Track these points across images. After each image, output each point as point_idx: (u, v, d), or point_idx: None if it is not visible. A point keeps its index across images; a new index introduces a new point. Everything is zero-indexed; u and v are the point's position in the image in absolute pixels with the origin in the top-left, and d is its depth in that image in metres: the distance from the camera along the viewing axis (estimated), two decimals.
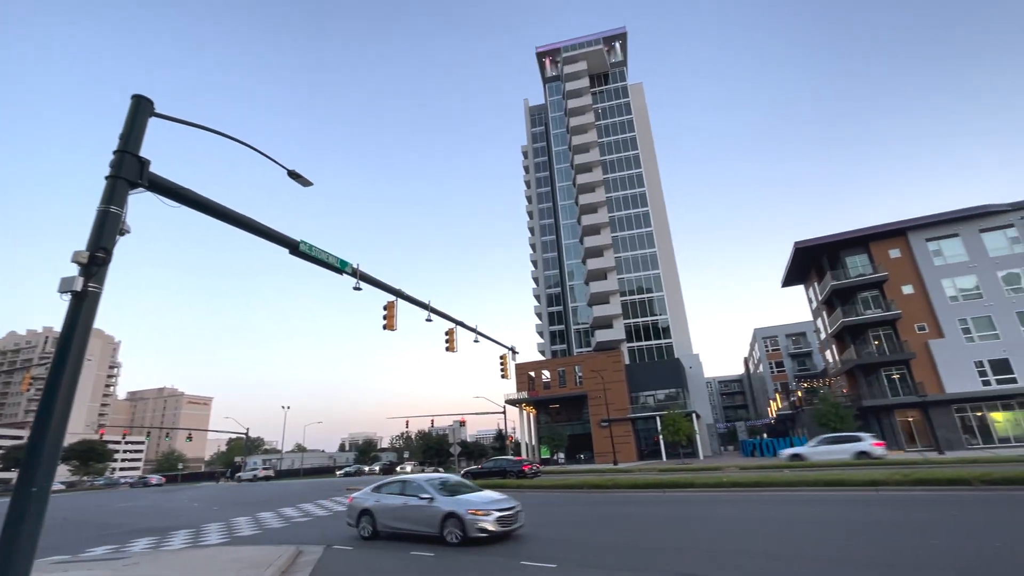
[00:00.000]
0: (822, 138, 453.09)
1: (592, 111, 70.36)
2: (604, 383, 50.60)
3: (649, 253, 63.14)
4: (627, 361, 57.33)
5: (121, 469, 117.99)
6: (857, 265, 42.41)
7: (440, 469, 70.85)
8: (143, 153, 7.16)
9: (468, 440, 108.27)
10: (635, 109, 71.44)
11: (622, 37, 74.12)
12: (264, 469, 53.14)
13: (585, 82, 71.61)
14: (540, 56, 78.06)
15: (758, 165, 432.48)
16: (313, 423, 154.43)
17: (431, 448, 77.64)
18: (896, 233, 41.12)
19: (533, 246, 78.22)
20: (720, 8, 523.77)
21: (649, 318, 60.83)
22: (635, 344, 60.34)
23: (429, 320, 19.01)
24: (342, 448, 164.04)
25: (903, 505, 12.49)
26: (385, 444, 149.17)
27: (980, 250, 38.45)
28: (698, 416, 52.08)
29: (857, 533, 9.59)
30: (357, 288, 15.04)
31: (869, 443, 27.00)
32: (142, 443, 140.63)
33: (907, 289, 39.70)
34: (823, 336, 49.94)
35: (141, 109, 7.27)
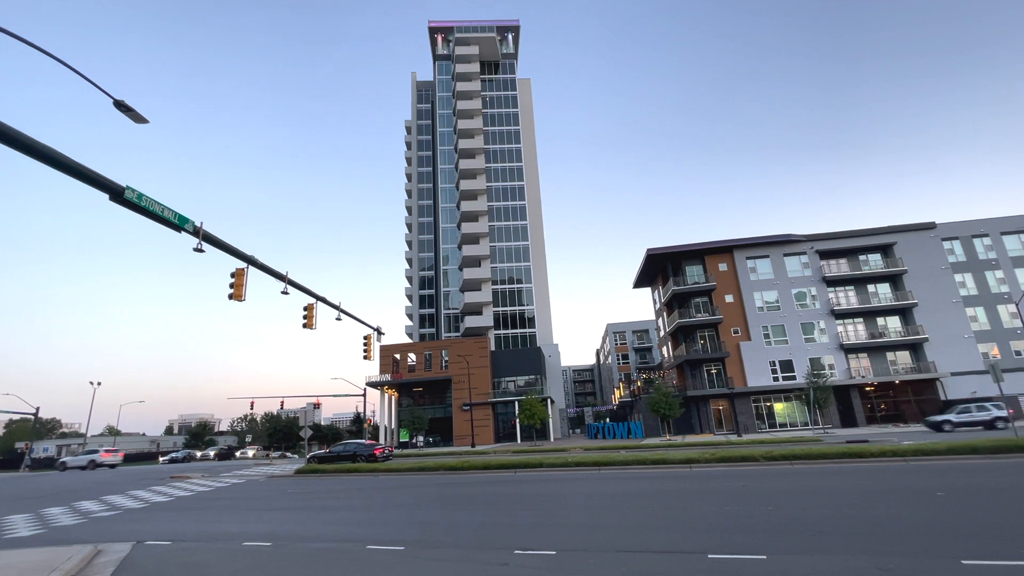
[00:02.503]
0: (691, 146, 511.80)
1: (480, 98, 70.39)
2: (469, 368, 51.53)
3: (522, 245, 65.50)
4: (493, 348, 59.04)
5: None
6: (694, 274, 48.85)
7: (288, 454, 66.08)
8: None
9: (322, 423, 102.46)
10: (521, 104, 73.14)
11: (515, 30, 75.19)
12: (109, 451, 41.95)
13: (476, 67, 71.28)
14: (432, 31, 75.71)
15: (627, 171, 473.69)
16: (132, 403, 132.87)
17: (279, 431, 72.09)
18: (725, 250, 48.17)
19: (409, 226, 76.17)
20: (607, 18, 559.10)
21: (517, 307, 63.26)
22: (502, 332, 62.35)
23: (286, 293, 17.46)
24: (169, 431, 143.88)
25: (709, 478, 14.78)
26: (224, 427, 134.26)
27: (782, 270, 46.87)
28: (552, 401, 55.79)
29: (670, 502, 11.12)
30: (199, 250, 13.20)
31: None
32: None
33: (729, 298, 46.84)
34: (662, 334, 56.77)
35: None
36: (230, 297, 15.07)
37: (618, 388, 79.12)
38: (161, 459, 57.01)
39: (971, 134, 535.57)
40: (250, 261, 15.51)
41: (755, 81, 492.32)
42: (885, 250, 46.72)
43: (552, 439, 51.58)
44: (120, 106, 10.22)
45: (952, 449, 15.78)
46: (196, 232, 13.13)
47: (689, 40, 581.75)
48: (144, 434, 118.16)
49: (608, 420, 62.79)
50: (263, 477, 24.97)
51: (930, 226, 46.01)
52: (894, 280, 45.73)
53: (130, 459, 65.32)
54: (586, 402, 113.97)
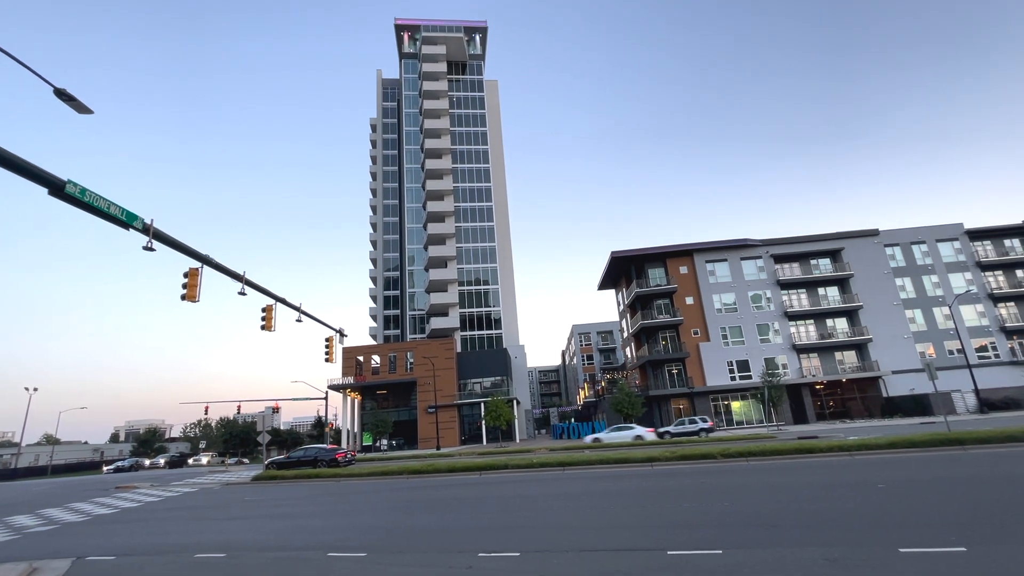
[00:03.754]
0: (656, 150, 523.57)
1: (447, 98, 69.97)
2: (435, 370, 51.06)
3: (489, 247, 65.46)
4: (459, 349, 58.72)
5: None
6: (656, 276, 50.07)
7: (245, 460, 63.69)
8: None
9: (282, 428, 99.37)
10: (488, 105, 73.16)
11: (483, 31, 75.16)
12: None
13: (443, 67, 70.79)
14: (399, 29, 74.74)
15: (593, 174, 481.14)
16: (74, 409, 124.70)
17: (235, 437, 69.44)
18: (686, 253, 49.60)
19: (374, 226, 74.88)
20: (575, 21, 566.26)
21: (483, 309, 63.16)
22: (468, 333, 62.10)
23: (243, 294, 16.89)
24: (115, 439, 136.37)
25: (670, 476, 15.16)
26: (176, 433, 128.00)
27: (739, 274, 48.65)
28: (518, 402, 55.96)
29: (632, 501, 11.36)
30: (149, 248, 12.60)
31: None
32: None
33: (689, 300, 48.25)
34: (626, 335, 57.89)
35: None
36: (183, 298, 14.44)
37: (583, 388, 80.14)
38: (106, 468, 53.88)
39: (916, 141, 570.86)
40: (204, 260, 14.92)
41: (718, 89, 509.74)
42: (834, 255, 49.22)
43: (518, 440, 51.71)
44: (61, 95, 9.65)
45: (893, 444, 16.77)
46: (146, 230, 12.54)
47: (647, 47, 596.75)
48: (86, 442, 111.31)
49: (573, 420, 63.52)
50: (218, 485, 24.01)
51: (874, 233, 48.76)
52: (842, 284, 48.22)
53: (71, 469, 61.47)
54: (552, 403, 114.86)
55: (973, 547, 6.02)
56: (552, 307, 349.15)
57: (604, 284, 59.73)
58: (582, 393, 79.20)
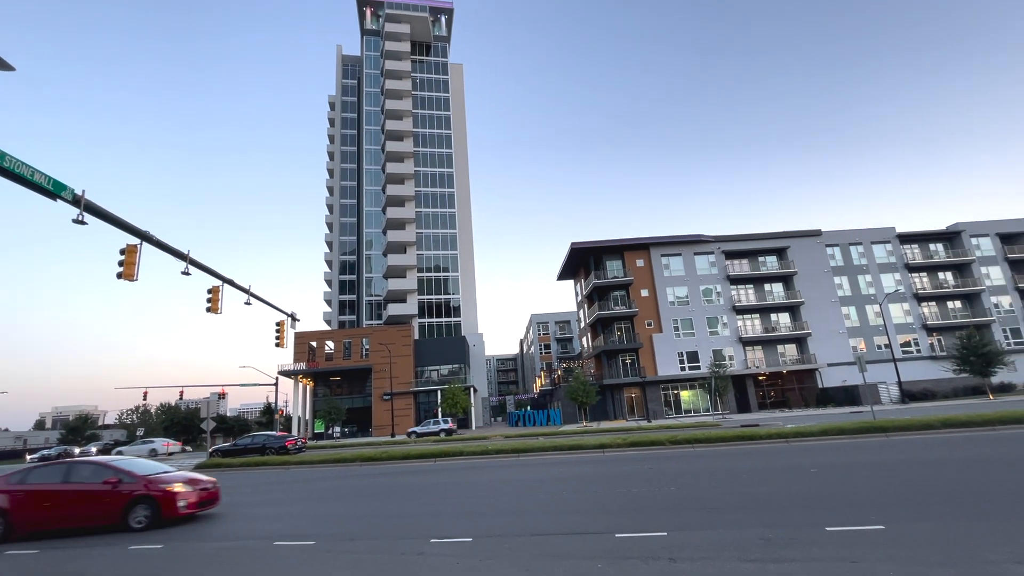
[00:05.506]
0: (615, 142, 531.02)
1: (410, 78, 68.25)
2: (391, 357, 50.37)
3: (450, 233, 64.79)
4: (416, 336, 58.10)
5: None
6: (614, 268, 51.10)
7: (187, 448, 60.93)
8: None
9: (228, 415, 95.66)
10: (453, 89, 71.92)
11: (448, 12, 73.58)
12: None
13: (406, 46, 68.89)
14: (361, 3, 72.00)
15: (555, 164, 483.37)
16: None
17: (177, 424, 66.09)
18: (643, 247, 50.82)
19: (330, 207, 72.54)
20: (542, 9, 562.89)
21: (443, 296, 62.63)
22: (426, 320, 61.49)
23: (187, 273, 16.01)
24: (40, 426, 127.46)
25: (620, 462, 15.64)
26: (111, 420, 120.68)
27: (692, 268, 50.35)
28: (475, 390, 56.10)
29: (583, 486, 11.66)
30: (80, 222, 11.72)
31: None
32: None
33: (644, 292, 49.57)
34: (583, 325, 58.95)
35: None
36: (119, 276, 13.52)
37: (539, 377, 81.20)
38: (29, 457, 50.21)
39: (857, 144, 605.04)
40: (144, 237, 14.03)
41: (678, 91, 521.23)
42: (780, 253, 51.72)
43: (474, 427, 51.94)
44: None
45: (825, 431, 17.95)
46: (76, 201, 11.64)
47: (613, 43, 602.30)
48: (7, 429, 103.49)
49: (529, 408, 64.31)
50: None
51: (816, 233, 51.53)
52: (786, 280, 50.81)
53: None
54: (509, 390, 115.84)
55: (890, 525, 6.54)
56: (512, 296, 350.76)
57: (564, 274, 60.45)
58: (539, 381, 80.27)
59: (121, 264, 13.57)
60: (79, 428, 75.00)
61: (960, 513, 7.00)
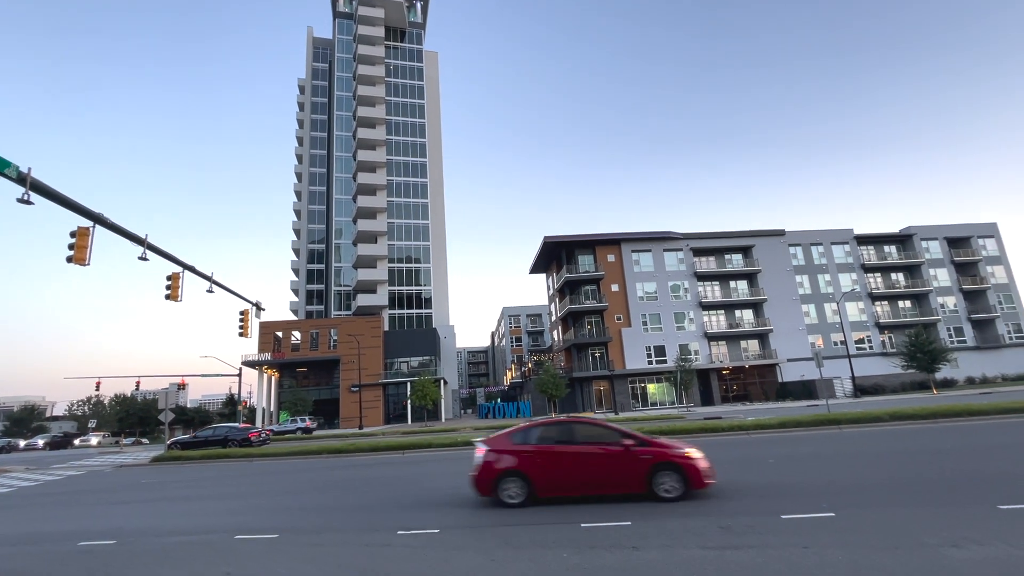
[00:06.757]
0: (590, 136, 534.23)
1: (383, 65, 66.86)
2: (360, 348, 49.64)
3: (422, 224, 64.05)
4: (386, 328, 57.39)
5: None
6: (586, 263, 51.61)
7: (143, 440, 58.74)
8: None
9: (188, 406, 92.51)
10: (427, 77, 70.85)
11: None
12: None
13: (380, 31, 67.38)
14: None
15: (529, 157, 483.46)
16: None
17: (133, 415, 63.75)
18: (614, 242, 51.47)
19: (299, 194, 70.65)
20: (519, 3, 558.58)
21: (414, 287, 61.99)
22: (396, 311, 60.79)
23: (144, 259, 15.35)
24: None
25: None
26: (60, 411, 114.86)
27: (661, 264, 51.34)
28: (445, 382, 55.95)
29: None
30: (26, 201, 11.07)
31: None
32: None
33: (615, 287, 50.28)
34: (554, 318, 59.41)
35: None
36: (69, 260, 12.84)
37: (510, 370, 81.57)
38: None
39: (831, 145, 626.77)
40: (97, 219, 13.36)
41: (652, 91, 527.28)
42: (745, 251, 53.26)
43: (444, 420, 51.83)
44: None
45: (783, 423, 18.64)
46: (22, 180, 10.97)
47: (590, 42, 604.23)
48: None
49: (500, 400, 64.52)
50: (110, 467, 22.02)
51: (780, 233, 53.28)
52: (750, 278, 52.41)
53: None
54: (479, 383, 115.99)
55: (840, 512, 6.89)
56: (484, 289, 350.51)
57: (536, 268, 60.69)
58: (509, 374, 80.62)
59: (71, 248, 12.89)
60: (25, 420, 71.35)
61: (904, 501, 7.43)
